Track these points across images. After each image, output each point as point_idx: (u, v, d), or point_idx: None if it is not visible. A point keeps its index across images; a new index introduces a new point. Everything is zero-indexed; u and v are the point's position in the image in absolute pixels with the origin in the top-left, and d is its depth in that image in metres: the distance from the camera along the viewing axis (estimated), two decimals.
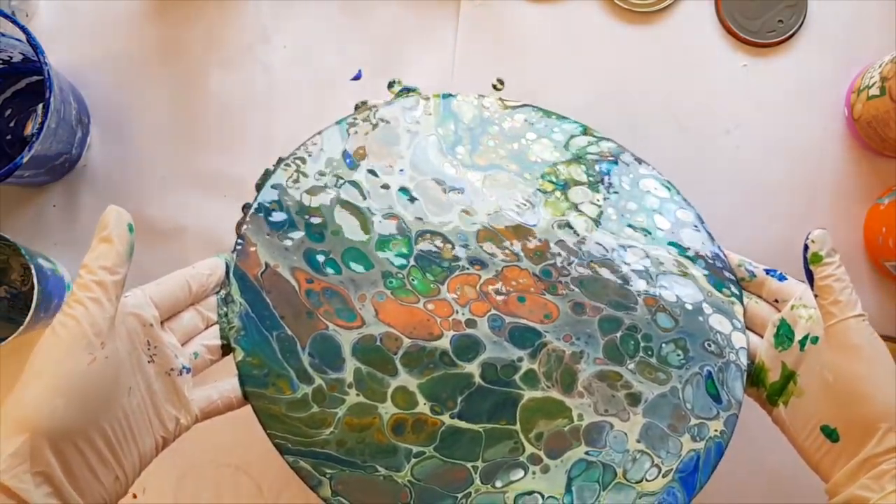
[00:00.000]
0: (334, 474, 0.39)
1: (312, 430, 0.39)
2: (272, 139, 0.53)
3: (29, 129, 0.54)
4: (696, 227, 0.44)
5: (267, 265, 0.41)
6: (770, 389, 0.40)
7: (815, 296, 0.37)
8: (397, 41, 0.54)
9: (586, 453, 0.40)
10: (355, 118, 0.44)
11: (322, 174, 0.43)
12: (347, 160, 0.43)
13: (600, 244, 0.43)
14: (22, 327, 0.47)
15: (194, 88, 0.54)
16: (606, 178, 0.44)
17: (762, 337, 0.42)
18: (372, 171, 0.43)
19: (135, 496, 0.51)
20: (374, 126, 0.44)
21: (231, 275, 0.40)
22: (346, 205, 0.42)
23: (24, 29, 0.47)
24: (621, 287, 0.42)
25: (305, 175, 0.43)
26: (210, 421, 0.51)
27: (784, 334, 0.40)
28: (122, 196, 0.53)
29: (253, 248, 0.41)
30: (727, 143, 0.52)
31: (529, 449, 0.40)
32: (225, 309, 0.40)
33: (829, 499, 0.36)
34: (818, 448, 0.37)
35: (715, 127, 0.52)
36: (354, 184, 0.43)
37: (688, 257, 0.43)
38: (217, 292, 0.39)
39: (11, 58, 0.51)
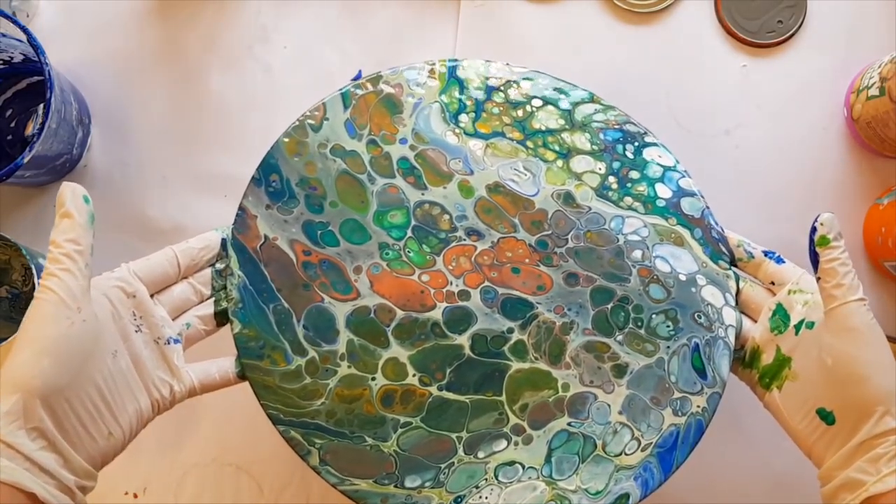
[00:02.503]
0: (323, 444, 0.40)
1: (304, 402, 0.40)
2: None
3: (30, 129, 0.54)
4: (698, 196, 0.43)
5: (266, 237, 0.42)
6: (762, 372, 0.40)
7: (818, 278, 0.37)
8: (397, 41, 0.54)
9: (569, 424, 0.41)
10: (359, 85, 0.44)
11: (323, 145, 0.43)
12: (349, 129, 0.43)
13: (598, 214, 0.43)
14: None
15: (194, 88, 0.54)
16: (610, 146, 0.44)
17: (755, 321, 0.42)
18: (373, 142, 0.43)
19: (136, 496, 0.51)
20: (378, 94, 0.44)
21: (230, 247, 0.41)
22: (346, 175, 0.42)
23: (24, 29, 0.47)
24: (616, 257, 0.42)
25: (307, 146, 0.43)
26: (211, 421, 0.52)
27: (780, 318, 0.40)
28: (122, 196, 0.53)
29: (253, 221, 0.42)
30: (727, 143, 0.52)
31: (513, 420, 0.41)
32: (223, 282, 0.40)
33: (822, 485, 0.36)
34: (812, 432, 0.37)
35: (715, 127, 0.52)
36: (355, 154, 0.43)
37: (686, 226, 0.43)
38: (213, 265, 0.40)
39: (12, 58, 0.51)
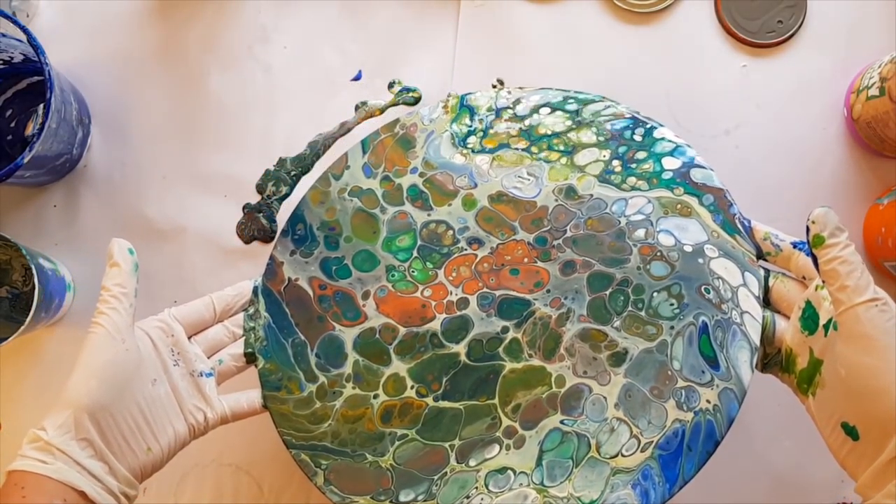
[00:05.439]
0: (328, 464, 0.41)
1: (313, 426, 0.41)
2: (272, 139, 0.53)
3: (30, 129, 0.54)
4: (711, 169, 0.41)
5: (289, 279, 0.44)
6: (799, 377, 0.37)
7: (823, 282, 0.34)
8: (397, 41, 0.54)
9: (561, 422, 0.39)
10: (377, 132, 0.45)
11: (343, 189, 0.44)
12: (366, 171, 0.44)
13: (600, 199, 0.42)
14: (23, 327, 0.47)
15: (194, 88, 0.54)
16: (618, 133, 0.43)
17: (789, 319, 0.39)
18: (387, 177, 0.44)
19: None
20: (395, 137, 0.45)
21: (259, 293, 0.43)
22: (361, 212, 0.44)
23: (24, 29, 0.47)
24: (617, 240, 0.41)
25: (329, 194, 0.44)
26: None
27: (809, 318, 0.36)
28: (122, 196, 0.53)
29: (279, 268, 0.44)
30: (727, 143, 0.52)
31: (506, 422, 0.40)
32: (252, 324, 0.43)
33: (863, 501, 0.34)
34: (841, 445, 0.35)
35: (715, 127, 0.52)
36: (370, 192, 0.44)
37: (694, 193, 0.41)
38: (245, 310, 0.44)
39: (12, 58, 0.51)
